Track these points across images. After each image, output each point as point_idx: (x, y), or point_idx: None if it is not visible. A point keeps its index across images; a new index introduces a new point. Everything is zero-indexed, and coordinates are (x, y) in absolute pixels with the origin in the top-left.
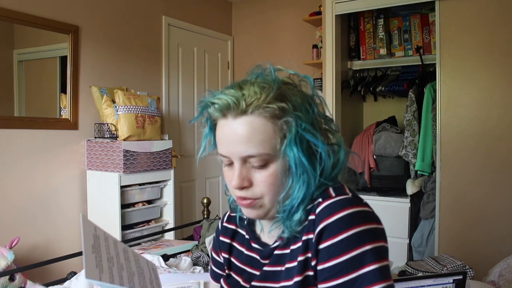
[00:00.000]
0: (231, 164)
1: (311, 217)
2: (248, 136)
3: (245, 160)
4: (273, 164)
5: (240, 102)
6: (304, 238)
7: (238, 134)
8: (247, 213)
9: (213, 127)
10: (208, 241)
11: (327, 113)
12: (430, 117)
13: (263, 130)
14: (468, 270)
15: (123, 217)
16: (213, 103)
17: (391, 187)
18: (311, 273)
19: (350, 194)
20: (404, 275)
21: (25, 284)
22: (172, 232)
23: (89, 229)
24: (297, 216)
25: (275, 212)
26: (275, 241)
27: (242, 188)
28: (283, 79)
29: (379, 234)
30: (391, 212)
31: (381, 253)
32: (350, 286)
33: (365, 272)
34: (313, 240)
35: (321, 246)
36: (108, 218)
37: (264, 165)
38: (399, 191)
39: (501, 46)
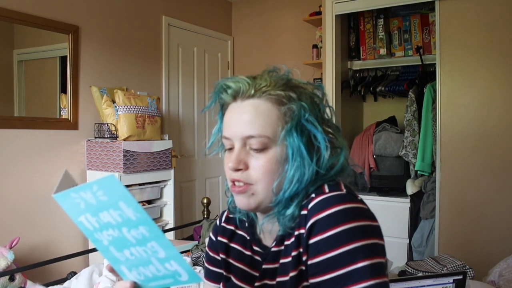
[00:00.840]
0: (232, 148)
1: (304, 212)
2: (251, 118)
3: (245, 142)
4: (271, 150)
5: (250, 86)
6: (296, 233)
7: (243, 115)
8: (239, 201)
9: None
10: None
11: (335, 122)
12: (430, 117)
13: (267, 114)
14: (468, 270)
15: None
16: (228, 87)
17: (391, 187)
18: (303, 267)
19: (344, 191)
20: (404, 275)
21: (25, 284)
22: (172, 232)
23: (68, 181)
24: (289, 211)
25: (268, 203)
26: (274, 241)
27: (237, 170)
28: (298, 81)
29: (372, 231)
30: (391, 212)
31: (374, 250)
32: (339, 281)
33: (354, 269)
34: (304, 235)
35: (311, 241)
36: None
37: (262, 149)
38: (399, 191)
39: (501, 46)
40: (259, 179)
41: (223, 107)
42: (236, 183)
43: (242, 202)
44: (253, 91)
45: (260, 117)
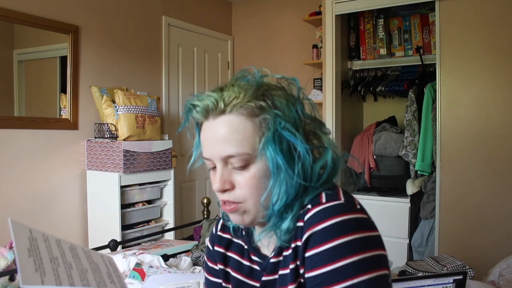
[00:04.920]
0: (215, 168)
1: (300, 224)
2: (227, 136)
3: (226, 161)
4: (253, 165)
5: (219, 102)
6: (293, 245)
7: (218, 134)
8: (233, 218)
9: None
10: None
11: (317, 116)
12: (430, 117)
13: (241, 129)
14: (468, 270)
15: (123, 217)
16: (194, 106)
17: (391, 187)
18: (302, 280)
19: (342, 200)
20: (404, 275)
21: None
22: (172, 232)
23: (22, 232)
24: (285, 225)
25: (261, 218)
26: (273, 251)
27: (224, 191)
28: (270, 83)
29: (372, 243)
30: (391, 212)
31: (375, 262)
32: None
33: (353, 284)
34: (301, 247)
35: (307, 254)
36: (108, 218)
37: (245, 166)
38: (399, 191)
39: (501, 46)
40: (247, 197)
41: (198, 124)
42: (226, 202)
43: (236, 219)
44: (223, 106)
45: (236, 134)
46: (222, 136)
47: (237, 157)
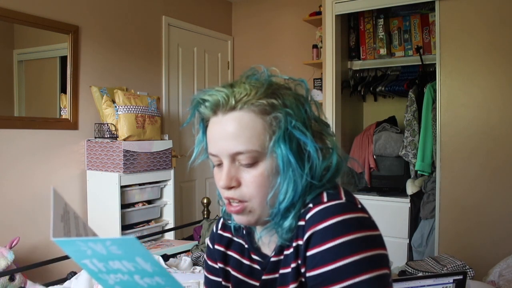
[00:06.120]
0: (220, 164)
1: (301, 223)
2: (236, 132)
3: (233, 158)
4: (262, 163)
5: (230, 98)
6: (294, 244)
7: (227, 130)
8: (238, 219)
9: (206, 132)
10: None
11: (322, 117)
12: (430, 117)
13: (251, 126)
14: (468, 270)
15: (123, 217)
16: (204, 100)
17: (391, 187)
18: (303, 279)
19: (344, 199)
20: (404, 275)
21: (25, 284)
22: (172, 232)
23: (60, 201)
24: (287, 223)
25: (266, 216)
26: (273, 250)
27: (230, 188)
28: (278, 82)
29: (373, 242)
30: (391, 212)
31: (376, 262)
32: None
33: (354, 283)
34: (302, 246)
35: (308, 253)
36: (108, 218)
37: (253, 164)
38: (399, 191)
39: (501, 46)
40: (253, 195)
41: (204, 120)
42: (231, 201)
43: (240, 219)
44: (233, 102)
45: (246, 131)
46: (232, 132)
47: (246, 154)
